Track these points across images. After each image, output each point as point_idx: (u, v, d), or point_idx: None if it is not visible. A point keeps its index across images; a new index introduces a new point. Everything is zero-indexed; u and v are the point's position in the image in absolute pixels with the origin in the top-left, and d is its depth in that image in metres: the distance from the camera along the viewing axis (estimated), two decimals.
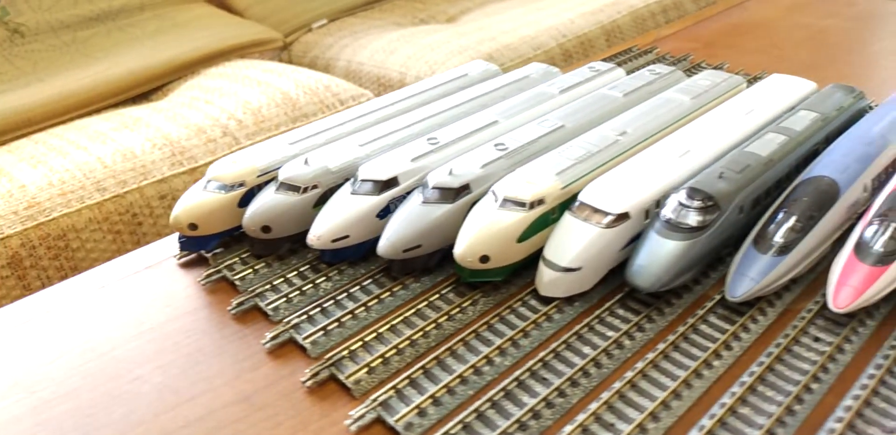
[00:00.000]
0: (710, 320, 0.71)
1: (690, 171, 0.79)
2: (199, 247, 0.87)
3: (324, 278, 0.80)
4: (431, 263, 0.80)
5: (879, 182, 0.81)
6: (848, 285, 0.69)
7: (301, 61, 2.36)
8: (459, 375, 0.66)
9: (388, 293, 0.77)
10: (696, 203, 0.73)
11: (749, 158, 0.79)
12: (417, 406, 0.63)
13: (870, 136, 0.84)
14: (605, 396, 0.63)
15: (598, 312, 0.73)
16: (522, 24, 2.26)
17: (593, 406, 0.62)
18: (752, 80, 1.24)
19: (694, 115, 0.93)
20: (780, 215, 0.75)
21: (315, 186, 0.83)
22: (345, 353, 0.69)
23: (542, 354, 0.68)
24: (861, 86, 1.02)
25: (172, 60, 2.10)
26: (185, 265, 0.87)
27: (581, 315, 0.74)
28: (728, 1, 1.72)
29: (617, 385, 0.64)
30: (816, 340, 0.68)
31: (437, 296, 0.76)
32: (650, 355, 0.67)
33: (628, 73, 1.12)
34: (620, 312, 0.73)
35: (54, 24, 2.16)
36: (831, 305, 0.69)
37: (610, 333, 0.70)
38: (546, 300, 0.75)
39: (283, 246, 0.84)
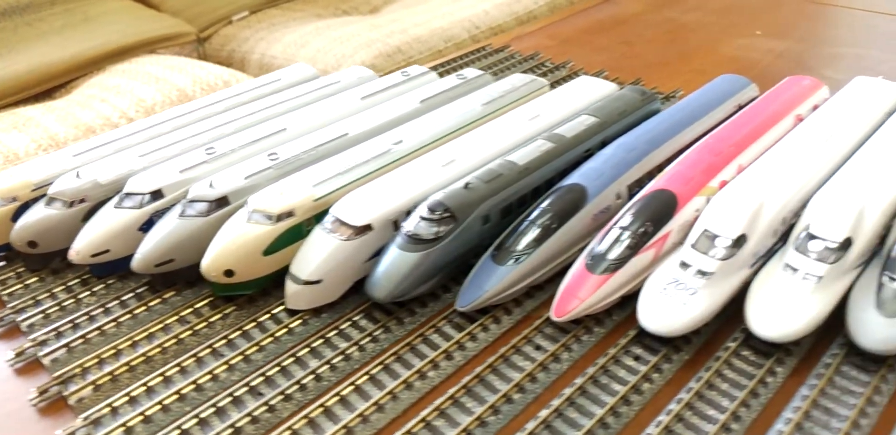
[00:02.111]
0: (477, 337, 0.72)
1: (448, 182, 0.80)
2: None
3: (88, 293, 0.80)
4: (195, 275, 0.80)
5: (638, 189, 0.82)
6: (568, 293, 0.70)
7: (218, 55, 2.34)
8: (178, 392, 0.67)
9: (143, 308, 0.78)
10: (432, 215, 0.73)
11: (504, 167, 0.80)
12: (124, 424, 0.64)
13: (633, 143, 0.85)
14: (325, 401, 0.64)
15: (339, 323, 0.73)
16: (437, 15, 2.25)
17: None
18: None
19: (480, 122, 0.93)
20: (523, 224, 0.76)
21: (83, 200, 0.83)
22: (77, 370, 0.70)
23: (271, 367, 0.68)
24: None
25: (76, 57, 2.07)
26: None
27: (325, 326, 0.74)
28: None
29: (345, 391, 0.65)
30: (637, 358, 0.68)
31: (189, 310, 0.77)
32: (387, 360, 0.68)
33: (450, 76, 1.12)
34: (363, 323, 0.74)
35: None
36: (552, 315, 0.70)
37: (343, 344, 0.71)
38: (292, 312, 0.76)
39: (54, 260, 0.84)
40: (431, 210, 0.73)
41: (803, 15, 1.55)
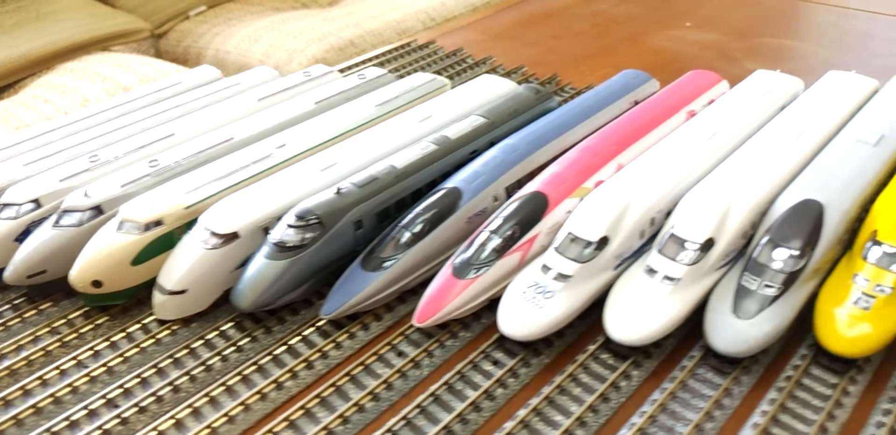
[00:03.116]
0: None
1: (325, 187, 0.79)
2: None
3: None
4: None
5: (518, 190, 0.81)
6: (430, 298, 0.70)
7: (174, 51, 2.32)
8: (34, 405, 0.66)
9: (17, 320, 0.77)
10: (298, 222, 0.73)
11: (381, 171, 0.79)
12: None
13: (516, 143, 0.84)
14: None
15: (207, 333, 0.73)
16: (392, 7, 2.24)
17: None
18: (509, 74, 1.24)
19: (371, 124, 0.92)
20: (394, 229, 0.75)
21: None
22: None
23: (131, 379, 0.67)
24: None
25: (26, 56, 2.05)
26: None
27: (193, 336, 0.73)
28: None
29: (199, 403, 0.64)
30: (496, 363, 0.67)
31: (63, 321, 0.76)
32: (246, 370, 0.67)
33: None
34: (231, 332, 0.73)
35: None
36: (414, 321, 0.70)
37: (206, 355, 0.70)
38: (163, 322, 0.75)
39: None
40: (297, 217, 0.73)
41: (736, 6, 1.54)
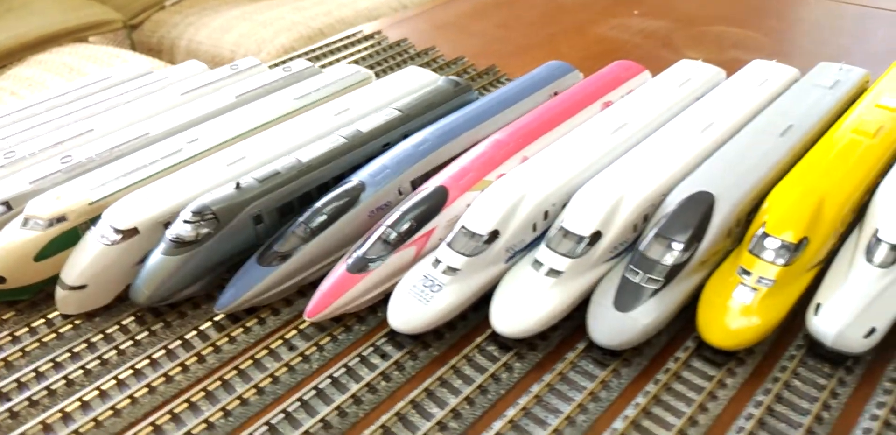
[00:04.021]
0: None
1: (229, 181, 0.79)
2: None
3: None
4: None
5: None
6: (322, 292, 0.70)
7: (149, 42, 2.32)
8: None
9: None
10: (193, 217, 0.73)
11: (285, 165, 0.79)
12: None
13: (426, 136, 0.84)
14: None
15: (108, 327, 0.73)
16: None
17: None
18: (449, 64, 1.24)
19: (288, 117, 0.92)
20: (293, 224, 0.76)
21: None
22: None
23: (27, 372, 0.68)
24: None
25: None
26: None
27: (95, 330, 0.73)
28: None
29: (89, 396, 0.65)
30: (384, 356, 0.68)
31: None
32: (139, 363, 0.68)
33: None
34: (132, 326, 0.74)
35: None
36: (305, 315, 0.70)
37: (104, 348, 0.71)
38: (67, 316, 0.75)
39: None
40: (193, 213, 0.73)
41: None
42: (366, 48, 1.31)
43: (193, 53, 2.24)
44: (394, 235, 0.72)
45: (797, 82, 0.93)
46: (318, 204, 0.76)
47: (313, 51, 1.31)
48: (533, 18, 1.43)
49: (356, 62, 1.26)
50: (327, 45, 1.33)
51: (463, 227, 0.71)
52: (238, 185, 0.76)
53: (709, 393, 0.62)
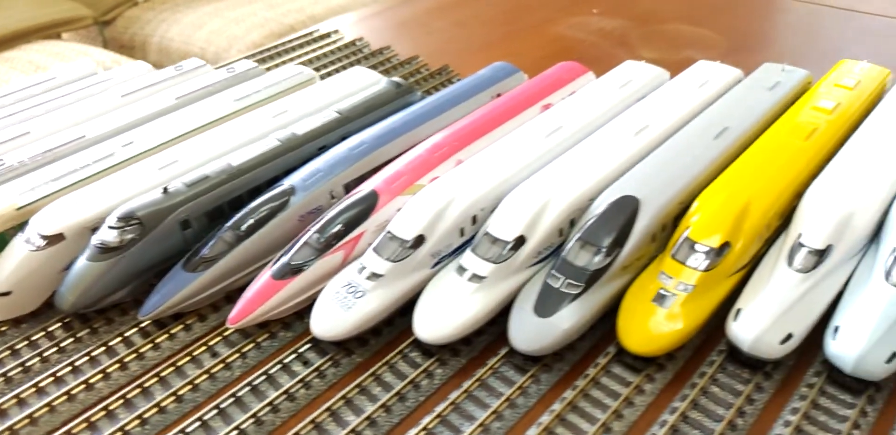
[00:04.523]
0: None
1: (159, 186, 0.78)
2: None
3: None
4: None
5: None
6: (246, 299, 0.70)
7: (121, 38, 2.31)
8: None
9: None
10: (117, 223, 0.72)
11: (215, 169, 0.79)
12: None
13: (362, 139, 0.84)
14: None
15: (34, 333, 0.72)
16: None
17: None
18: (402, 64, 1.23)
19: (226, 120, 0.91)
20: (221, 229, 0.75)
21: None
22: None
23: None
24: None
25: None
26: None
27: (20, 337, 0.72)
28: None
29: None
30: (305, 363, 0.67)
31: None
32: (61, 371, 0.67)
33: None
34: (58, 332, 0.73)
35: None
36: (228, 321, 0.70)
37: (28, 354, 0.70)
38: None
39: None
40: (118, 218, 0.72)
41: None
42: (321, 47, 1.30)
43: (165, 51, 2.23)
44: (320, 241, 0.72)
45: (739, 83, 0.93)
46: (247, 208, 0.75)
47: (268, 50, 1.30)
48: (492, 17, 1.43)
49: (309, 62, 1.25)
50: (283, 44, 1.32)
51: (388, 232, 0.71)
52: (165, 190, 0.75)
53: (625, 399, 0.62)
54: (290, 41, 1.33)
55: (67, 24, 2.24)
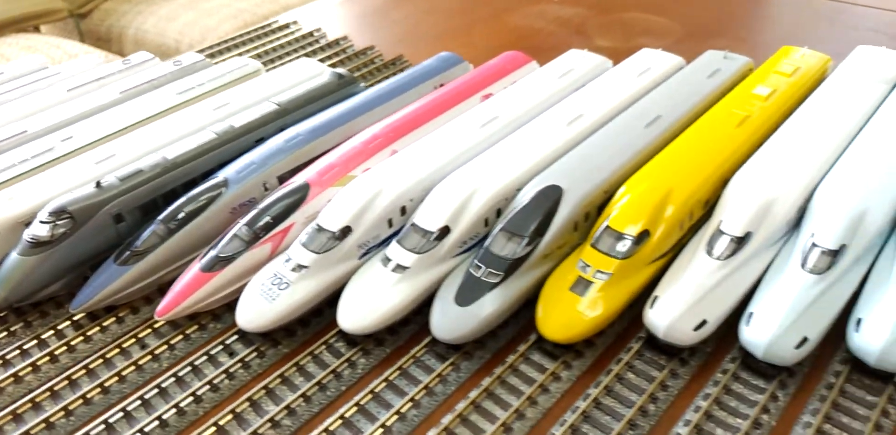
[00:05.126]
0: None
1: (95, 180, 0.79)
2: None
3: None
4: None
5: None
6: (174, 291, 0.70)
7: (97, 30, 2.31)
8: None
9: None
10: (49, 217, 0.73)
11: (149, 163, 0.79)
12: None
13: (298, 131, 0.84)
14: None
15: None
16: None
17: None
18: (357, 55, 1.23)
19: (169, 113, 0.92)
20: (153, 222, 0.75)
21: None
22: None
23: None
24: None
25: None
26: None
27: None
28: None
29: None
30: (231, 354, 0.68)
31: None
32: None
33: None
34: None
35: None
36: (155, 314, 0.70)
37: None
38: None
39: None
40: (49, 213, 0.73)
41: None
42: (278, 39, 1.30)
43: (140, 43, 2.23)
44: (249, 233, 0.72)
45: (679, 71, 0.93)
46: (179, 202, 0.76)
47: (226, 42, 1.30)
48: (451, 6, 1.42)
49: (266, 54, 1.25)
50: (240, 36, 1.32)
51: (316, 223, 0.71)
52: (98, 185, 0.76)
53: (540, 386, 0.63)
54: (248, 33, 1.33)
55: (42, 16, 2.24)
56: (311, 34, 1.30)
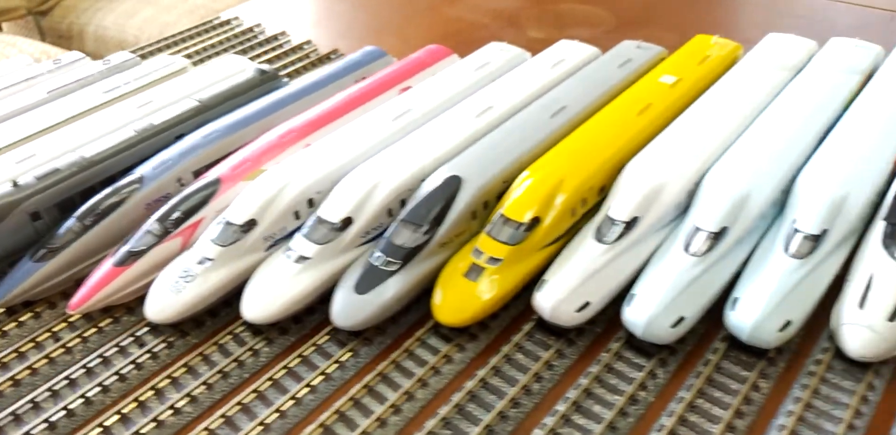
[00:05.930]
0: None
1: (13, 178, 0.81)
2: None
3: None
4: None
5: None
6: (86, 285, 0.73)
7: (59, 28, 2.31)
8: None
9: None
10: None
11: (66, 161, 0.81)
12: None
13: (215, 126, 0.85)
14: None
15: None
16: None
17: None
18: (294, 50, 1.24)
19: (93, 112, 0.93)
20: (69, 219, 0.78)
21: None
22: None
23: None
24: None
25: None
26: None
27: None
28: None
29: None
30: (141, 345, 0.71)
31: None
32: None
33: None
34: None
35: None
36: (67, 307, 0.73)
37: None
38: None
39: None
40: None
41: None
42: (216, 35, 1.31)
43: (101, 39, 2.23)
44: (159, 227, 0.75)
45: (593, 62, 0.95)
46: (94, 199, 0.78)
47: (165, 39, 1.31)
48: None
49: (203, 50, 1.26)
50: (179, 33, 1.33)
51: (223, 217, 0.74)
52: (15, 184, 0.78)
53: (432, 368, 0.65)
54: (189, 30, 1.34)
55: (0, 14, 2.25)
56: (250, 30, 1.32)
